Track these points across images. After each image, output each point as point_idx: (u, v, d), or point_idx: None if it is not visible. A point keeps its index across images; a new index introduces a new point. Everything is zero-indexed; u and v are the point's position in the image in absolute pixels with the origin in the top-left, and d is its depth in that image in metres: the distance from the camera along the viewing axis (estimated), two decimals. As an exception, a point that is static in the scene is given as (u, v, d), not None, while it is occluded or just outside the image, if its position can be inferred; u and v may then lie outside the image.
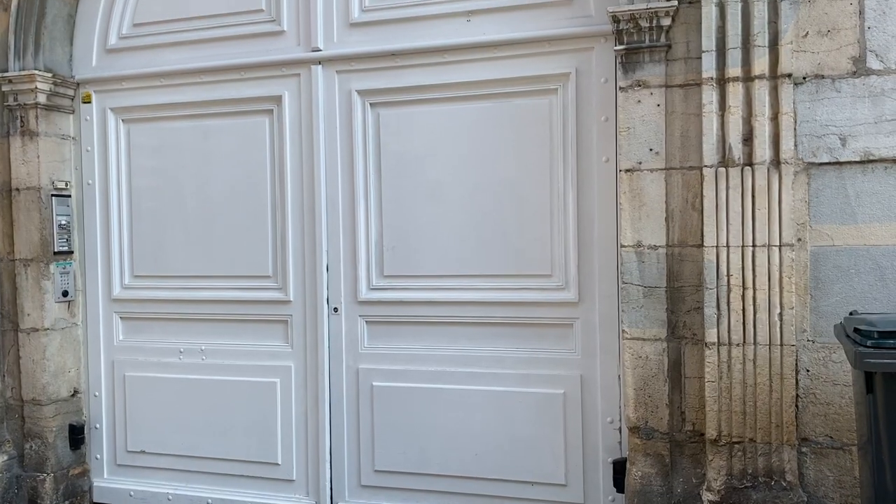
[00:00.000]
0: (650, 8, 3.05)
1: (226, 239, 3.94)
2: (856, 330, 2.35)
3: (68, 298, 4.10)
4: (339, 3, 3.72)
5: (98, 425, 4.20)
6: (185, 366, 4.03)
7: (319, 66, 3.75)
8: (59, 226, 4.05)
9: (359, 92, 3.71)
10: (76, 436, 4.13)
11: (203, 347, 4.00)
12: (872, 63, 2.83)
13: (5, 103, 4.02)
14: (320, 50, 3.74)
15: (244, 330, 3.94)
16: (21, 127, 3.99)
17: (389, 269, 3.70)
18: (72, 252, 4.13)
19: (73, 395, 4.15)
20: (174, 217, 4.03)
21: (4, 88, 3.99)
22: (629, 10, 3.08)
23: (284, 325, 3.87)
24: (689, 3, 3.04)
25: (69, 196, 4.12)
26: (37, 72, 3.92)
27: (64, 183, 4.09)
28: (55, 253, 4.04)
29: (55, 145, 4.07)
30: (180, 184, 4.02)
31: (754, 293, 2.92)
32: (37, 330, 4.02)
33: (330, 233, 3.76)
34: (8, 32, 3.97)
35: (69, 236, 4.11)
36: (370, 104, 3.71)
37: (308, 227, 3.78)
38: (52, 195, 4.02)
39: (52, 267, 4.03)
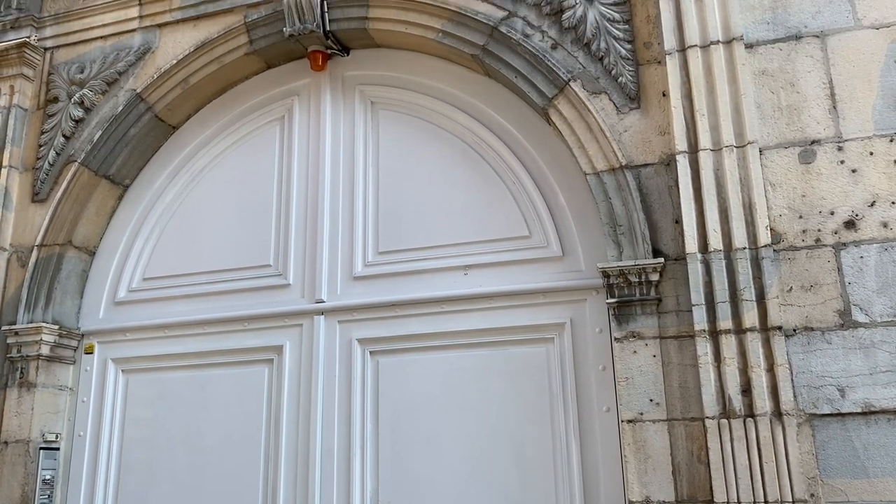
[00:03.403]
0: (638, 265, 3.21)
1: (215, 493, 3.77)
2: None
3: (41, 562, 3.84)
4: (344, 259, 3.91)
5: None
6: None
7: (322, 317, 3.85)
8: (43, 481, 3.89)
9: (359, 341, 3.78)
10: None
11: None
12: (858, 316, 2.92)
13: (8, 355, 4.06)
14: (323, 301, 3.87)
15: None
16: (20, 378, 3.99)
17: (386, 526, 3.51)
18: (52, 509, 3.94)
19: None
20: (163, 469, 3.89)
21: (9, 340, 4.05)
22: (618, 267, 3.24)
23: (271, 592, 3.58)
24: (675, 260, 3.21)
25: (58, 449, 4.01)
26: (44, 324, 4.01)
27: (54, 435, 4.00)
28: (34, 511, 3.85)
29: (51, 396, 4.04)
30: (173, 434, 3.94)
31: (774, 555, 2.75)
32: None
33: (323, 487, 3.61)
34: (22, 287, 4.12)
35: (52, 492, 3.94)
36: (370, 352, 3.76)
37: (301, 480, 3.64)
38: (41, 448, 3.91)
39: (29, 527, 3.82)
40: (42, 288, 4.12)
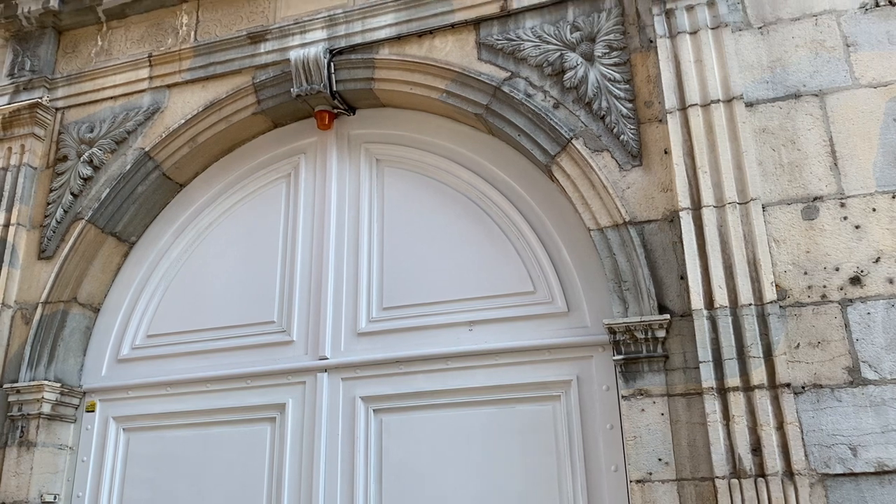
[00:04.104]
0: (644, 321, 3.19)
1: (215, 556, 3.69)
2: None
3: None
4: (348, 314, 3.90)
5: None
6: None
7: (325, 374, 3.82)
8: (40, 543, 3.82)
9: (363, 398, 3.74)
10: None
11: None
12: (867, 373, 2.89)
13: (8, 413, 4.01)
14: (327, 358, 3.84)
15: None
16: (20, 437, 3.94)
17: (390, 591, 3.42)
18: (47, 574, 3.85)
19: None
20: (163, 531, 3.82)
21: (11, 398, 4.01)
22: (624, 323, 3.22)
23: None
24: (681, 316, 3.20)
25: (56, 511, 3.94)
26: (46, 382, 3.97)
27: (53, 496, 3.93)
28: (29, 576, 3.75)
29: (51, 456, 3.99)
30: (173, 494, 3.86)
31: None
32: None
33: (327, 550, 3.53)
34: (25, 344, 4.10)
35: (48, 555, 3.86)
36: (373, 410, 3.72)
37: (304, 543, 3.57)
38: (38, 510, 3.85)
39: (24, 591, 3.71)
40: (45, 345, 4.10)
